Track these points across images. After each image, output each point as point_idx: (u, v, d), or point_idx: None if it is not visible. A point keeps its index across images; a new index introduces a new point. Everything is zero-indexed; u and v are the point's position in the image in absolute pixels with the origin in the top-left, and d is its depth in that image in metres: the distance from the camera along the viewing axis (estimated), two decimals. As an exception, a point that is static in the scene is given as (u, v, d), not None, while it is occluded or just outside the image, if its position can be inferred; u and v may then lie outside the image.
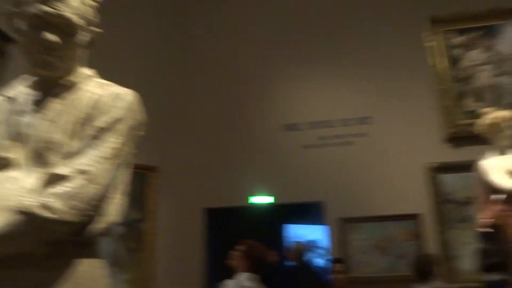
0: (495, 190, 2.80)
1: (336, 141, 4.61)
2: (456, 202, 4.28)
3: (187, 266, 4.48)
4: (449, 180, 4.34)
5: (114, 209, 1.23)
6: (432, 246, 4.15)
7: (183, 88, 5.03)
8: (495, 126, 3.01)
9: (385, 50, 4.83)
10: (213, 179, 4.72)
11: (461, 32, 4.75)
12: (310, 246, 5.64)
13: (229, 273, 3.13)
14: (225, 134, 4.88)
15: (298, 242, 4.93)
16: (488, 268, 3.20)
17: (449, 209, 4.28)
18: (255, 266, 3.03)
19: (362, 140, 4.58)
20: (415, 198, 4.33)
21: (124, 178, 1.29)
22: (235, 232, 3.61)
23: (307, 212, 5.18)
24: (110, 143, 1.18)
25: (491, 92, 4.53)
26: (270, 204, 4.62)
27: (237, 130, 4.85)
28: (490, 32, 4.70)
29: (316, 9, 5.09)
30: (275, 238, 5.87)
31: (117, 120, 1.22)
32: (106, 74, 1.44)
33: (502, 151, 3.01)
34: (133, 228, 4.18)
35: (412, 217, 4.29)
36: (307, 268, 4.88)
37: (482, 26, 4.72)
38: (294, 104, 4.83)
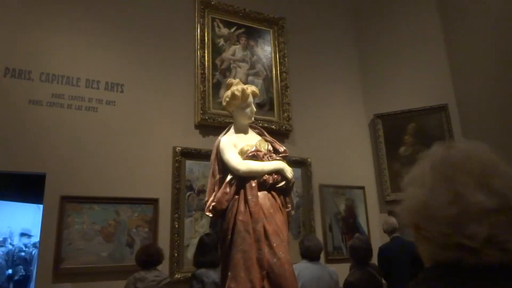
0: (229, 170, 2.62)
1: (75, 103, 3.79)
2: (195, 190, 4.15)
3: None
4: (192, 167, 4.19)
5: None
6: (165, 233, 3.85)
7: None
8: (241, 99, 2.75)
9: (154, 20, 4.41)
10: None
11: (227, 24, 4.80)
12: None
13: None
14: None
15: None
16: (198, 264, 3.08)
17: (187, 197, 4.10)
18: None
19: (107, 109, 3.92)
20: (155, 181, 3.99)
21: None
22: None
23: (19, 186, 4.05)
24: None
25: (243, 89, 4.67)
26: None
27: None
28: (250, 33, 4.92)
29: None
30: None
31: None
32: None
33: (242, 130, 2.89)
34: None
35: (150, 201, 3.91)
36: None
37: (245, 25, 4.90)
38: (26, 48, 3.74)
